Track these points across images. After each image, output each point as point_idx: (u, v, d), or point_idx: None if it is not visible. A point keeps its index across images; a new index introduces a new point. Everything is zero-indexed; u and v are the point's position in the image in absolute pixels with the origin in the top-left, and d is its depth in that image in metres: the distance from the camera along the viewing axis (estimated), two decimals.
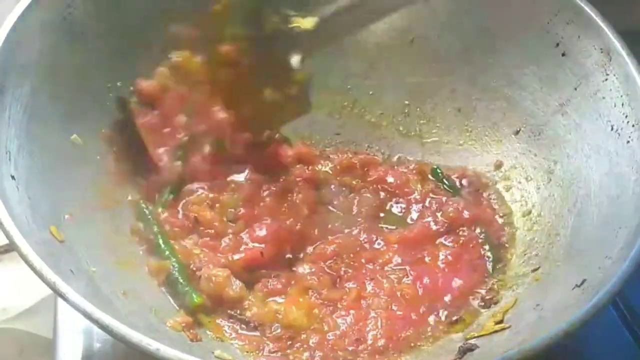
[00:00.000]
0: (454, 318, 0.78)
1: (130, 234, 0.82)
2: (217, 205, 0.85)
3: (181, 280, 0.76)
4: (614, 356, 0.86)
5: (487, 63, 0.93)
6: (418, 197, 0.91)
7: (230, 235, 0.83)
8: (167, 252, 0.79)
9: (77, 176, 0.79)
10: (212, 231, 0.83)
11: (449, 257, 0.83)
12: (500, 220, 0.88)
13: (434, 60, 0.96)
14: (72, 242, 0.72)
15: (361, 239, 0.86)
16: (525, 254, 0.82)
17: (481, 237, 0.86)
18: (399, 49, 0.97)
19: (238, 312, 0.77)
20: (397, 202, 0.91)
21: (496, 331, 0.73)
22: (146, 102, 0.86)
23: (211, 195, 0.85)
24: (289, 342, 0.75)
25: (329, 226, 0.87)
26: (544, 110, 0.88)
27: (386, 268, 0.83)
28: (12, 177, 0.69)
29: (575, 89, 0.84)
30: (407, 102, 0.98)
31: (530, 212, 0.87)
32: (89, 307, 0.59)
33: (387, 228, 0.88)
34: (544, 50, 0.87)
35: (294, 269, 0.83)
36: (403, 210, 0.91)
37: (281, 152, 0.92)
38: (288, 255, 0.84)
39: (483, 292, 0.81)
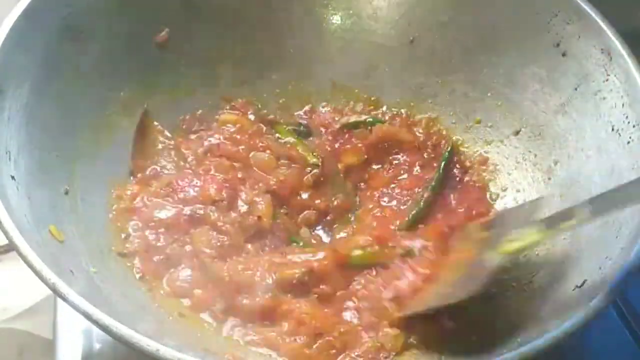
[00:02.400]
0: None
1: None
2: None
3: None
4: (614, 356, 0.86)
5: (487, 63, 0.93)
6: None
7: None
8: None
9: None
10: None
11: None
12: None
13: (434, 60, 0.96)
14: (72, 242, 0.72)
15: None
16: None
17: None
18: (399, 49, 0.97)
19: None
20: None
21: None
22: None
23: None
24: None
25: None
26: (545, 111, 0.88)
27: None
28: (12, 177, 0.69)
29: (576, 89, 0.84)
30: (406, 102, 0.98)
31: None
32: (89, 307, 0.59)
33: None
34: (544, 50, 0.87)
35: None
36: None
37: None
38: None
39: None
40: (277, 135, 0.94)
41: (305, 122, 0.97)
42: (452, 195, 0.90)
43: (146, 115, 0.90)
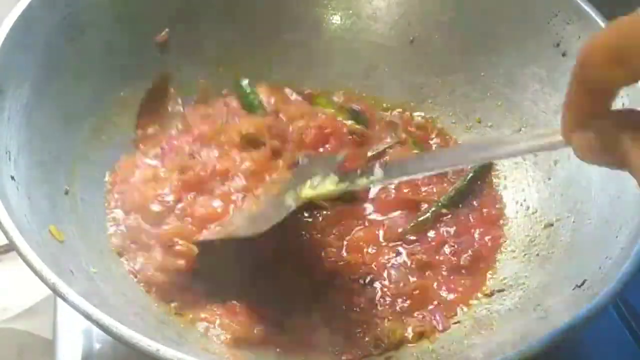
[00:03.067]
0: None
1: None
2: None
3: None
4: (614, 356, 0.86)
5: (487, 63, 0.93)
6: None
7: None
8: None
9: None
10: None
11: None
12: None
13: (434, 60, 0.96)
14: (72, 242, 0.72)
15: None
16: (525, 255, 0.82)
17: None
18: (399, 49, 0.97)
19: None
20: None
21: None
22: None
23: None
24: None
25: None
26: (545, 111, 0.88)
27: None
28: (12, 178, 0.69)
29: None
30: (406, 102, 0.98)
31: (530, 212, 0.86)
32: (89, 307, 0.59)
33: None
34: (544, 50, 0.87)
35: None
36: None
37: None
38: None
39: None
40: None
41: (359, 108, 0.96)
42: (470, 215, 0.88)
43: (164, 77, 0.91)
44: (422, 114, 0.97)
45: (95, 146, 0.84)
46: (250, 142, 0.87)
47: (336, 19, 0.99)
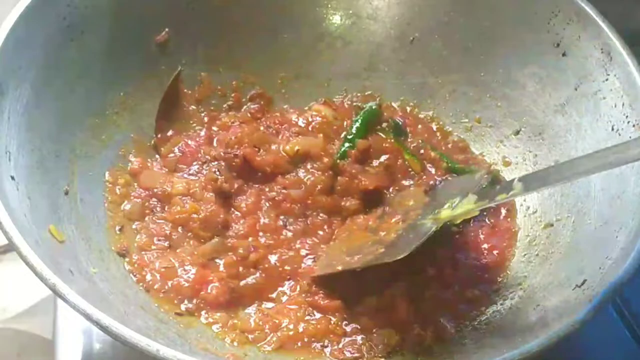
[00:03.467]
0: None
1: None
2: None
3: None
4: (613, 355, 0.86)
5: (487, 63, 0.93)
6: None
7: None
8: None
9: None
10: None
11: None
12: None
13: (434, 60, 0.96)
14: (72, 242, 0.72)
15: None
16: (525, 254, 0.82)
17: None
18: (399, 49, 0.97)
19: None
20: None
21: None
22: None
23: None
24: None
25: None
26: (544, 110, 0.88)
27: None
28: (12, 178, 0.69)
29: (576, 89, 0.84)
30: (407, 101, 0.98)
31: (530, 212, 0.86)
32: (89, 308, 0.59)
33: None
34: (544, 50, 0.87)
35: None
36: None
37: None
38: None
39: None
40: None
41: (402, 121, 0.96)
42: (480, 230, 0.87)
43: (178, 78, 0.92)
44: (423, 113, 0.98)
45: (95, 146, 0.84)
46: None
47: (336, 19, 0.99)
